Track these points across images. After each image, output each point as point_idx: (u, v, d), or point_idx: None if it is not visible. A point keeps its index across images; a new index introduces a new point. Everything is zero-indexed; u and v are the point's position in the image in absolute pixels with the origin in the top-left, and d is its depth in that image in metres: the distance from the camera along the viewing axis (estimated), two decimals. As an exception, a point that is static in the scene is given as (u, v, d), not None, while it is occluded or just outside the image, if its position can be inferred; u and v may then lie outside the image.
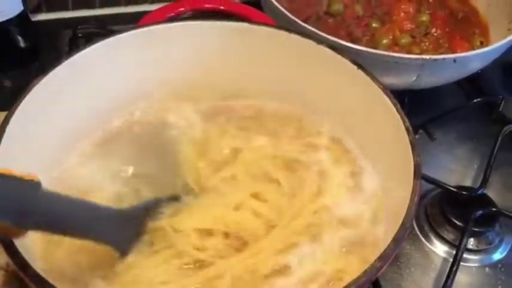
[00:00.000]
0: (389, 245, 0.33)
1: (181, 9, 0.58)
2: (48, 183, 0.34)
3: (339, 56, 0.46)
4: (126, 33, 0.46)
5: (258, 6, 0.63)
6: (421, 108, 0.64)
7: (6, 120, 0.39)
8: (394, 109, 0.42)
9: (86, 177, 0.44)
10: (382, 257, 0.33)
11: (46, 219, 0.32)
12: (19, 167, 0.39)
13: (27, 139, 0.41)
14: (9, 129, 0.39)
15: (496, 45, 0.56)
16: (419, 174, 0.37)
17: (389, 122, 0.42)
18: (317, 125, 0.50)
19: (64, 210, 0.34)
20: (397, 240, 0.33)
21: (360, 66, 0.45)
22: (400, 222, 0.34)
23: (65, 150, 0.46)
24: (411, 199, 0.35)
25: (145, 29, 0.47)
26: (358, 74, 0.45)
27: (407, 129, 0.40)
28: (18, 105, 0.40)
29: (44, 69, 0.69)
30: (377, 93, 0.44)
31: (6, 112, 0.41)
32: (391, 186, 0.42)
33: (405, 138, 0.40)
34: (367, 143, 0.46)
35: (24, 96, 0.41)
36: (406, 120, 0.41)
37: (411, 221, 0.35)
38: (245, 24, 0.49)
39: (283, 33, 0.48)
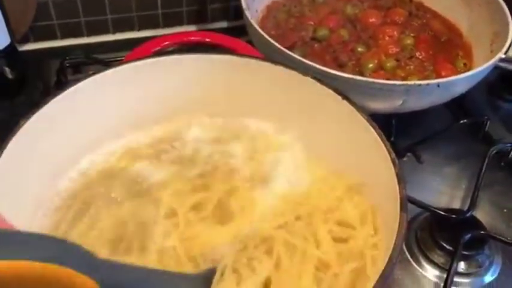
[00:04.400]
0: (377, 281, 0.34)
1: (167, 42, 0.58)
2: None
3: (324, 87, 0.47)
4: (111, 70, 0.46)
5: (245, 33, 0.64)
6: (408, 130, 0.65)
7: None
8: (379, 140, 0.42)
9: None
10: (370, 294, 0.33)
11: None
12: (10, 203, 0.40)
13: (17, 177, 0.41)
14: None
15: (478, 69, 0.56)
16: (405, 208, 0.37)
17: (375, 153, 0.42)
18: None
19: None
20: (384, 276, 0.34)
21: (344, 96, 0.46)
22: (387, 257, 0.34)
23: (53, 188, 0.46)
24: (398, 233, 0.36)
25: (131, 64, 0.47)
26: (343, 104, 0.45)
27: (393, 161, 0.40)
28: (7, 145, 0.41)
29: (31, 100, 0.69)
30: (362, 124, 0.44)
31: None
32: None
33: (391, 170, 0.40)
34: (352, 174, 0.46)
35: (12, 136, 0.41)
36: (392, 152, 0.41)
37: (398, 256, 0.35)
38: (230, 56, 0.50)
39: (267, 65, 0.49)
